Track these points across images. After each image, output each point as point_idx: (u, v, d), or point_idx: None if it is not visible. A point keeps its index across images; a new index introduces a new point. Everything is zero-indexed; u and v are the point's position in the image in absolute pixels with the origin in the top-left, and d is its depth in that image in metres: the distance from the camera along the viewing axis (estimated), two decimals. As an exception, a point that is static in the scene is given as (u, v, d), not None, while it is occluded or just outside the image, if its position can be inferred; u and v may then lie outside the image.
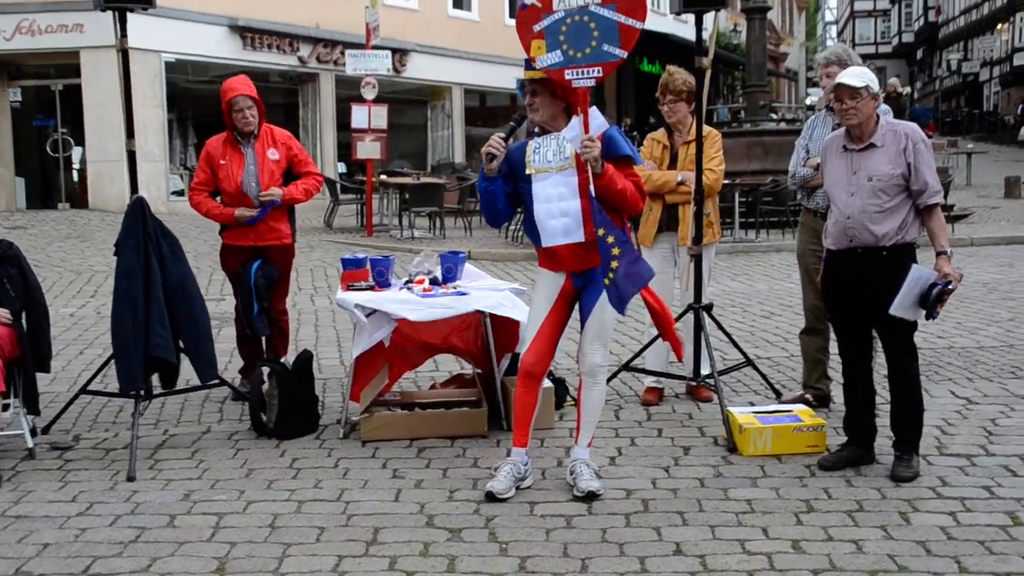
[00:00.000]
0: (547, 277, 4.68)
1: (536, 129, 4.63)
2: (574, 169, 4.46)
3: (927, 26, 61.47)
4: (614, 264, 4.31)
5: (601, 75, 4.41)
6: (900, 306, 4.53)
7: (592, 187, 4.35)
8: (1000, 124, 43.36)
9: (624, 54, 4.44)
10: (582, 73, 4.40)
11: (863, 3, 71.42)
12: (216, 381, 5.65)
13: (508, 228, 15.26)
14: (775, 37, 44.60)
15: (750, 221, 15.15)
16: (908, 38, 66.48)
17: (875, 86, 4.66)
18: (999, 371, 6.72)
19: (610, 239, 4.32)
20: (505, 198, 4.61)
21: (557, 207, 4.47)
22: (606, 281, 4.35)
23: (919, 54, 65.51)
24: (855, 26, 71.99)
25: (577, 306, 4.70)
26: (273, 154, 6.12)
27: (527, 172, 4.54)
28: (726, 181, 13.81)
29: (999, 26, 48.32)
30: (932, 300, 4.47)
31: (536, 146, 4.56)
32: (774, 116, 22.62)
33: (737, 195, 14.64)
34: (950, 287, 4.51)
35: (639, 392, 6.24)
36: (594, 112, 4.43)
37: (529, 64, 4.52)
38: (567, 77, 4.41)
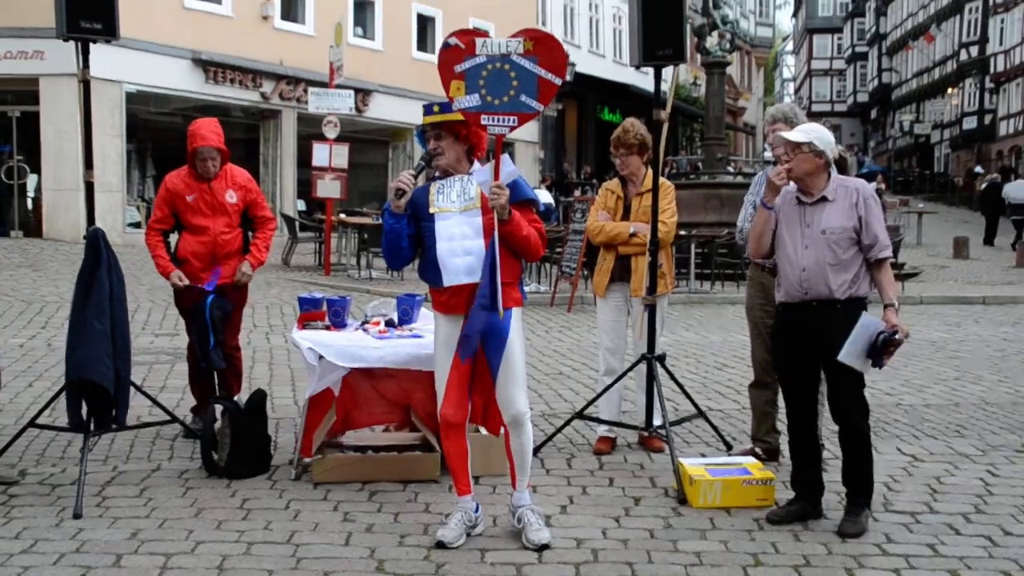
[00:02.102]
0: (445, 322, 4.59)
1: (437, 174, 4.61)
2: (479, 210, 4.46)
3: (881, 87, 62.95)
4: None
5: (516, 124, 4.49)
6: (848, 354, 4.61)
7: (495, 230, 4.38)
8: (950, 185, 44.37)
9: (541, 107, 4.53)
10: (498, 120, 4.48)
11: (820, 62, 72.99)
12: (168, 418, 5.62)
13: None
14: (734, 92, 45.40)
15: (705, 272, 15.34)
16: (863, 98, 67.98)
17: (820, 144, 4.71)
18: (944, 429, 6.84)
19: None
20: (408, 239, 4.56)
21: (460, 245, 4.46)
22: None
23: (873, 114, 67.00)
24: (812, 84, 73.50)
25: (481, 352, 4.55)
26: (231, 197, 6.16)
27: (430, 211, 4.50)
28: (682, 232, 14.10)
29: (949, 90, 49.63)
30: (878, 347, 4.56)
31: (439, 187, 4.55)
32: (731, 169, 22.99)
33: (693, 246, 14.82)
34: (896, 336, 4.58)
35: (591, 441, 6.27)
36: (506, 160, 4.46)
37: (430, 109, 4.53)
38: (483, 122, 4.47)
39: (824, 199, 4.77)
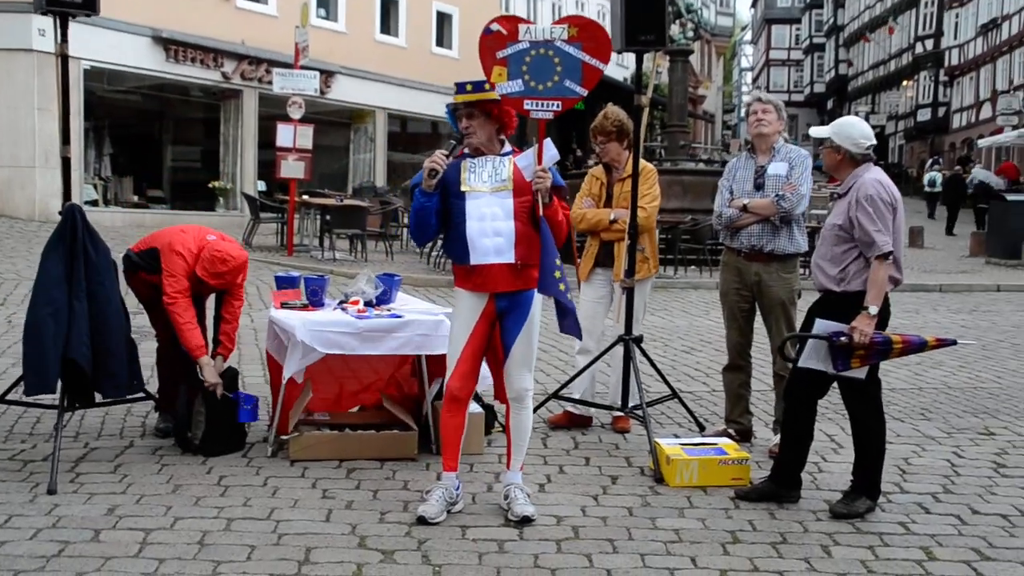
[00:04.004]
0: (467, 299, 4.61)
1: (467, 151, 4.59)
2: (510, 192, 4.48)
3: (837, 78, 63.62)
4: (562, 287, 4.41)
5: (560, 109, 4.51)
6: (807, 357, 4.69)
7: (540, 214, 4.41)
8: (904, 176, 45.03)
9: (584, 92, 4.56)
10: (541, 105, 4.50)
11: (778, 52, 73.61)
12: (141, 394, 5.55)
13: (430, 254, 15.29)
14: (694, 80, 45.59)
15: (669, 258, 15.43)
16: (820, 88, 68.67)
17: (836, 140, 4.77)
18: (910, 412, 6.97)
19: (556, 274, 4.41)
20: (436, 215, 4.56)
21: (491, 226, 4.48)
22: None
23: (829, 104, 67.68)
24: (770, 74, 74.08)
25: (498, 330, 4.65)
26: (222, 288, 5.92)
27: (461, 189, 4.50)
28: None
29: (904, 83, 50.31)
30: (837, 351, 4.61)
31: (471, 166, 4.54)
32: (691, 155, 23.12)
33: (656, 232, 14.90)
34: (843, 339, 4.60)
35: (565, 421, 6.31)
36: (548, 144, 4.47)
37: (463, 88, 4.49)
38: (525, 107, 4.48)
39: (840, 195, 4.86)
